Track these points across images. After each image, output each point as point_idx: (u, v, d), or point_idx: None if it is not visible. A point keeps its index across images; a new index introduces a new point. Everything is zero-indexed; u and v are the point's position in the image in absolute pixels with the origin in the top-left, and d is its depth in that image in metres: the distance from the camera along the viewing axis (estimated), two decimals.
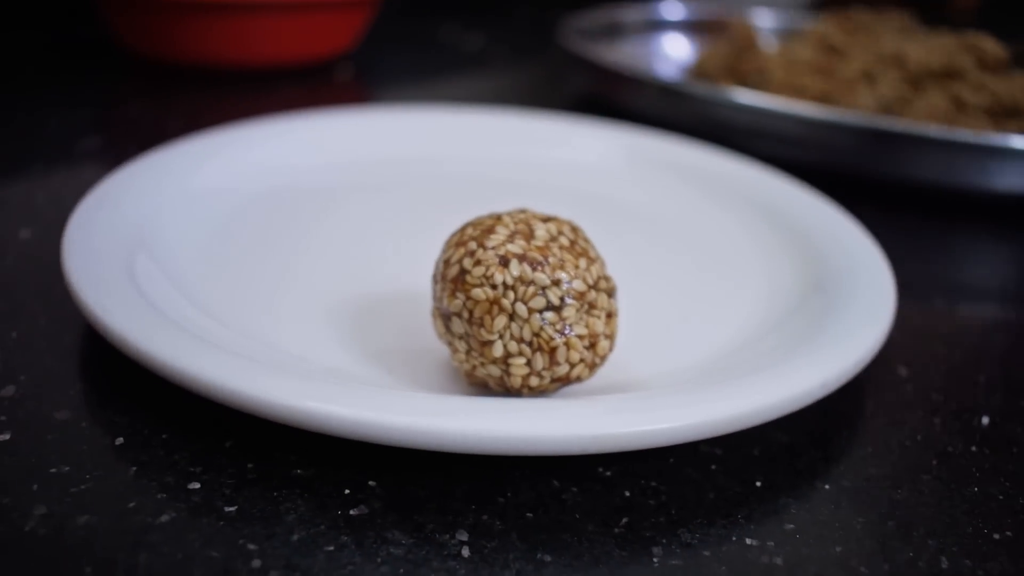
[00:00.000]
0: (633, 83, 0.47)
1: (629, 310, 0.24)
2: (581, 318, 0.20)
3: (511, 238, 0.20)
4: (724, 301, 0.29)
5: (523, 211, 0.22)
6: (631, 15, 0.65)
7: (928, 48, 0.50)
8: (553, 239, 0.21)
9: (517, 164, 0.39)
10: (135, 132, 0.44)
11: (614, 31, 0.64)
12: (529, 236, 0.21)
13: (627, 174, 0.38)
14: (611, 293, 0.21)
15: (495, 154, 0.39)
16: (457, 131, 0.40)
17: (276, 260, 0.29)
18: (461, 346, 0.21)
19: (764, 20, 0.66)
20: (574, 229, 0.22)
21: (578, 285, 0.20)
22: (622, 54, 0.62)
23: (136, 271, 0.24)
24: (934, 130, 0.39)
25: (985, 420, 0.25)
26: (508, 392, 0.21)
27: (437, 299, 0.21)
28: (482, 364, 0.20)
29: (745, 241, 0.33)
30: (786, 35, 0.64)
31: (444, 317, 0.21)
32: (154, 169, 0.31)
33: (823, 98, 0.46)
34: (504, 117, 0.41)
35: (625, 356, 0.23)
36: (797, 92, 0.47)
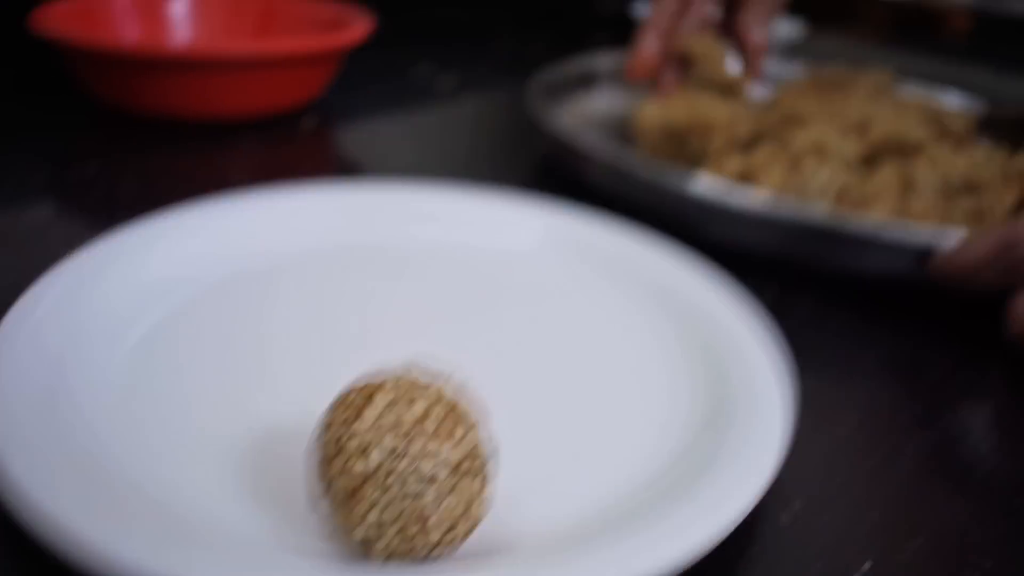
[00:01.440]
0: (582, 158, 0.47)
1: (513, 450, 0.24)
2: (447, 494, 0.21)
3: (385, 412, 0.21)
4: (614, 435, 0.28)
5: (409, 370, 0.22)
6: (606, 63, 0.65)
7: (895, 115, 0.50)
8: (431, 407, 0.21)
9: (436, 246, 0.39)
10: (88, 196, 0.45)
11: (589, 79, 0.64)
12: (407, 406, 0.21)
13: (543, 263, 0.38)
14: (482, 467, 0.21)
15: (416, 234, 0.39)
16: (375, 210, 0.40)
17: (168, 388, 0.28)
18: (329, 520, 0.21)
19: (734, 66, 0.64)
20: (456, 390, 0.22)
21: (447, 460, 0.21)
22: (599, 103, 0.62)
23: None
24: (864, 226, 0.39)
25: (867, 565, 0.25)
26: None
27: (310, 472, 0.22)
28: (349, 541, 0.21)
29: (648, 350, 0.33)
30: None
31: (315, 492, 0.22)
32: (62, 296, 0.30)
33: (767, 177, 0.45)
34: (429, 195, 0.41)
35: (503, 512, 0.23)
36: (742, 167, 0.46)
